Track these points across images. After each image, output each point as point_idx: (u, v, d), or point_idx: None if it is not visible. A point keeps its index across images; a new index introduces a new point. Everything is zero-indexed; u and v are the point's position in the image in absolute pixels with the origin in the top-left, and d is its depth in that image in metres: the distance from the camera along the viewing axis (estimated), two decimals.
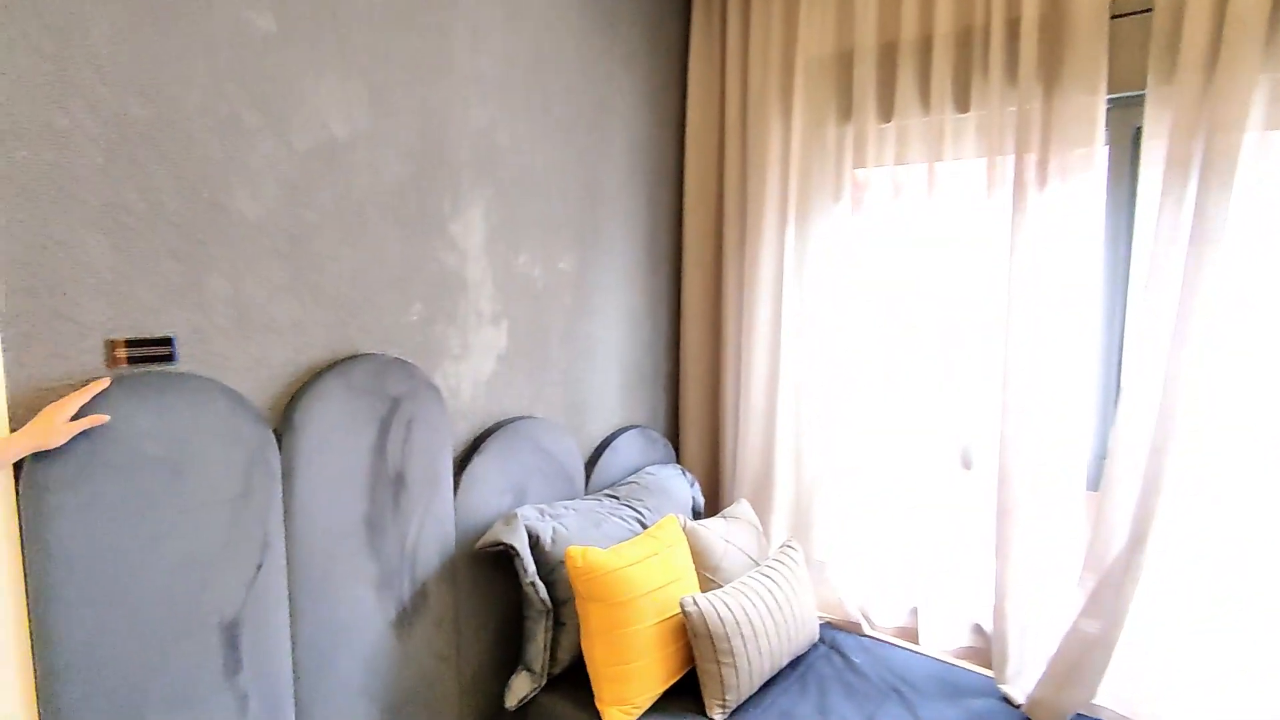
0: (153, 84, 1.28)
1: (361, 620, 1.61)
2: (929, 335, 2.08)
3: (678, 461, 2.54)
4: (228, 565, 1.39)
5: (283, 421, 1.47)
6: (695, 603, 1.72)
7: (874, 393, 2.22)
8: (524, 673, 1.80)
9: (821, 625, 2.15)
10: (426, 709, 1.75)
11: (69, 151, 1.19)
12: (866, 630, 2.17)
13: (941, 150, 1.96)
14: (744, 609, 1.76)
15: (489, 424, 1.91)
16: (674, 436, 2.56)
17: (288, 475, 1.47)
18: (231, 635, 1.40)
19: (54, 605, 1.19)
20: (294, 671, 1.51)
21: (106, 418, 1.21)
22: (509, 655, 1.93)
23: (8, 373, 1.15)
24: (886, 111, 2.07)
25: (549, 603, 1.78)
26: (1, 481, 1.14)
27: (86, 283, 1.23)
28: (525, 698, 1.77)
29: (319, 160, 1.51)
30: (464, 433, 1.85)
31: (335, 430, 1.53)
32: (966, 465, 2.04)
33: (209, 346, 1.38)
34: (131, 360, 1.28)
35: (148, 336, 1.30)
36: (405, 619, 1.69)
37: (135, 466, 1.26)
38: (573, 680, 1.82)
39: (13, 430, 1.15)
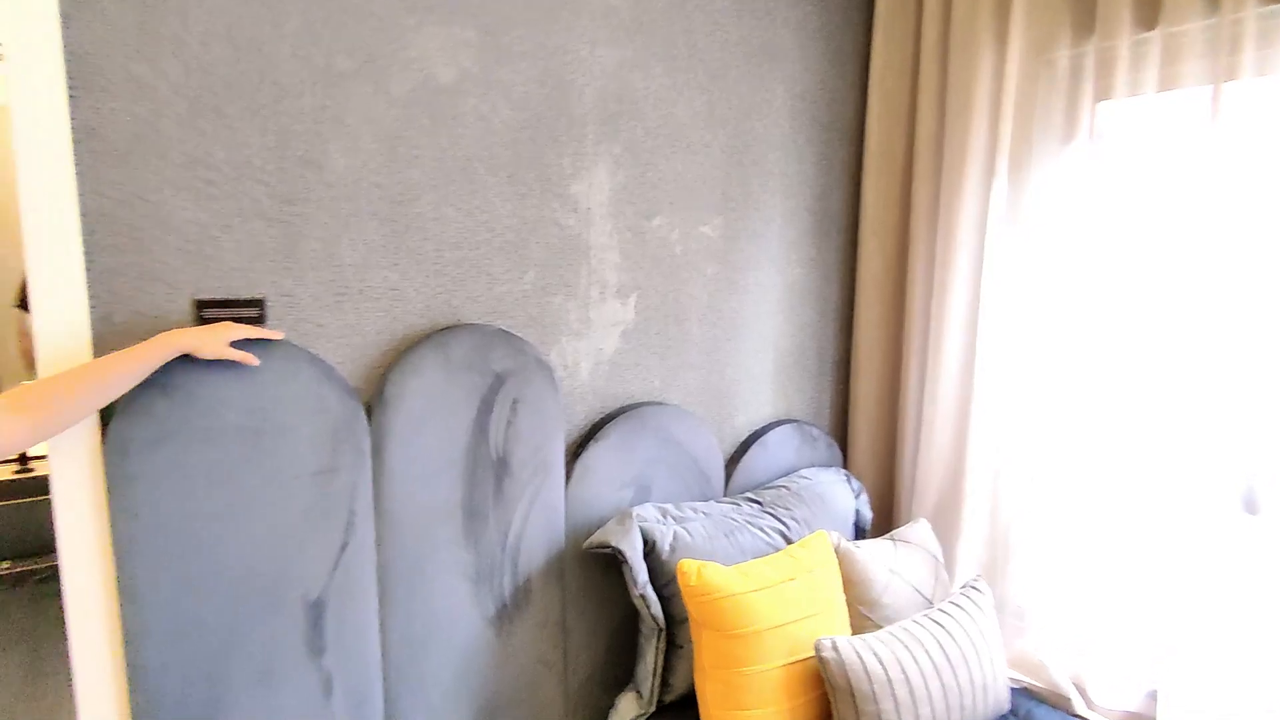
0: (241, 30, 1.21)
1: (456, 614, 1.49)
2: (1199, 319, 1.51)
3: (844, 466, 2.16)
4: (311, 542, 1.32)
5: (374, 395, 1.37)
6: (835, 647, 1.38)
7: (1109, 392, 1.69)
8: (632, 694, 1.59)
9: (1014, 691, 1.69)
10: (527, 715, 1.60)
11: (153, 103, 1.15)
12: (1079, 709, 1.66)
13: (1235, 64, 1.39)
14: (901, 661, 1.39)
15: (611, 408, 1.71)
16: (841, 435, 2.19)
17: (378, 453, 1.37)
18: (316, 615, 1.34)
19: (138, 563, 1.17)
20: (382, 660, 1.42)
21: (257, 361, 1.22)
22: (622, 668, 1.73)
23: (95, 330, 1.14)
24: (1148, 15, 1.52)
25: (662, 620, 1.54)
26: (89, 438, 1.14)
27: (172, 242, 1.19)
28: None
29: (421, 111, 1.38)
30: (580, 417, 1.66)
31: (431, 407, 1.41)
32: (1251, 509, 1.46)
33: (299, 312, 1.31)
34: (219, 323, 1.23)
35: (237, 298, 1.25)
36: (505, 617, 1.55)
37: (217, 432, 1.22)
38: (687, 712, 1.57)
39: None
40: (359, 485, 1.36)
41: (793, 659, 1.42)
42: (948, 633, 1.48)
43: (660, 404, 1.74)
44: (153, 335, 1.18)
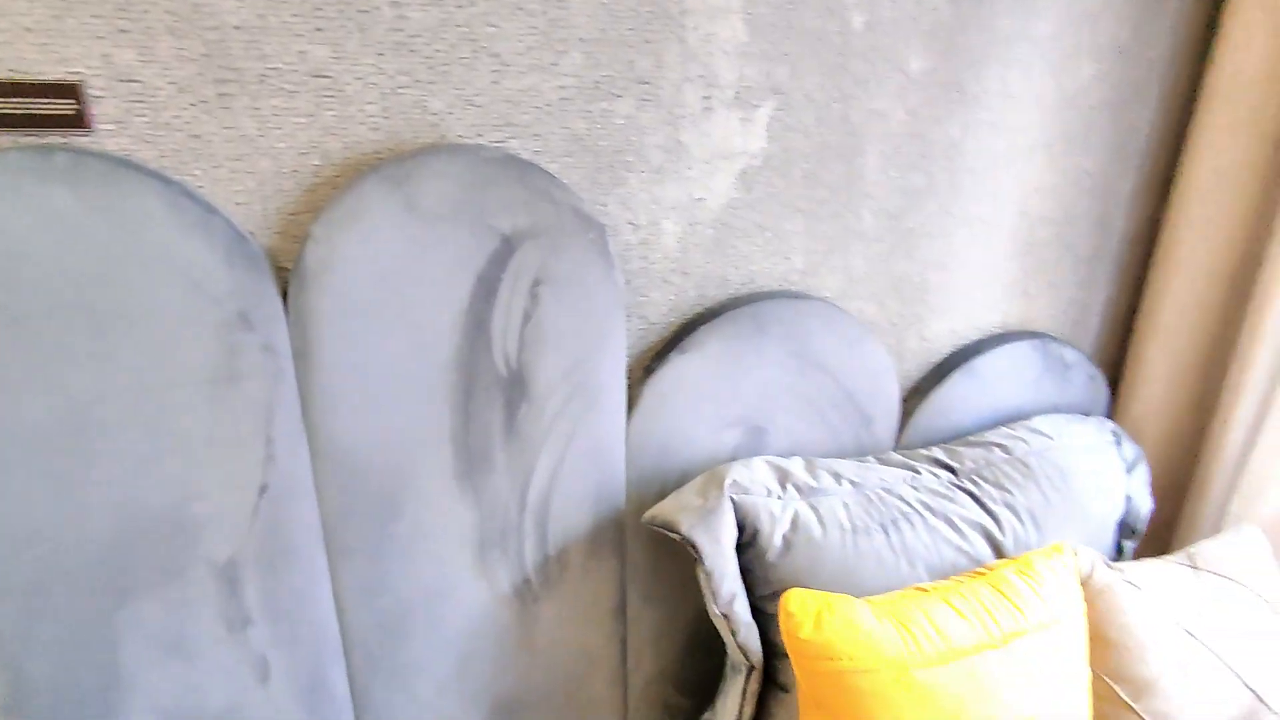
0: None
1: (450, 588, 1.01)
2: None
3: (1109, 413, 1.34)
4: (209, 482, 0.86)
5: (293, 261, 0.84)
6: None
7: None
8: None
9: None
10: (567, 717, 1.14)
11: None
12: None
13: None
14: None
15: (712, 300, 1.05)
16: (1115, 362, 1.35)
17: (303, 355, 0.85)
18: (230, 580, 0.91)
19: None
20: (343, 641, 0.99)
21: None
22: (710, 666, 1.20)
23: None
24: None
25: (757, 654, 0.95)
26: None
27: None
28: None
29: None
30: (659, 311, 1.03)
31: (387, 283, 0.85)
32: None
33: (156, 112, 0.76)
34: (15, 121, 0.73)
35: (38, 81, 0.73)
36: (528, 596, 1.05)
37: (35, 314, 0.75)
38: None
39: None
40: (276, 402, 0.86)
41: None
42: None
43: (799, 296, 1.05)
44: None
